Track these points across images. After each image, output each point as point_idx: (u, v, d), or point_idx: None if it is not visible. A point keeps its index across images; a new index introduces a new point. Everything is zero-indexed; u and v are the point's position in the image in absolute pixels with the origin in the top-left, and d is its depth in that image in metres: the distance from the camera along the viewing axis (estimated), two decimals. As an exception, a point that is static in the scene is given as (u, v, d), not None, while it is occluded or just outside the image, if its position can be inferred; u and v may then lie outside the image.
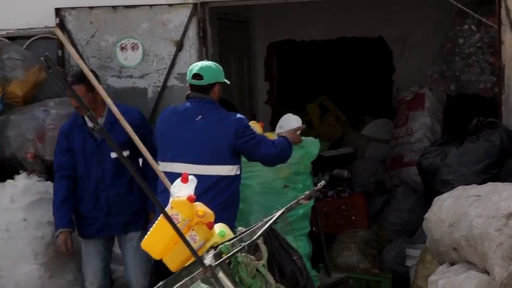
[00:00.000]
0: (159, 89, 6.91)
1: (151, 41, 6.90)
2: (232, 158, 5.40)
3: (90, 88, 5.52)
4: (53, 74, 4.47)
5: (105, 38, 6.94)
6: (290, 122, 5.94)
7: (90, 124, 5.76)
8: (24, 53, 6.73)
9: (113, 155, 5.72)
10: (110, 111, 5.57)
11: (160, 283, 4.19)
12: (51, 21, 6.88)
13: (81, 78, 5.55)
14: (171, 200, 4.22)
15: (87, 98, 5.61)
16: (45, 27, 6.88)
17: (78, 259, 6.11)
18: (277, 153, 5.46)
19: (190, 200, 4.18)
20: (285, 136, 5.63)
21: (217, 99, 5.51)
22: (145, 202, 5.81)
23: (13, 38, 6.95)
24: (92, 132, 5.79)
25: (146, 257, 5.35)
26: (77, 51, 6.64)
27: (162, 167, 5.33)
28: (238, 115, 5.49)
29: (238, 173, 5.43)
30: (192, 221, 4.16)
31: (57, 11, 6.91)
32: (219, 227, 4.31)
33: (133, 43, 6.93)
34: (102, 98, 5.44)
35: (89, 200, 5.85)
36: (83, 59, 5.91)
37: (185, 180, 4.27)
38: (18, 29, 6.98)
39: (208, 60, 6.71)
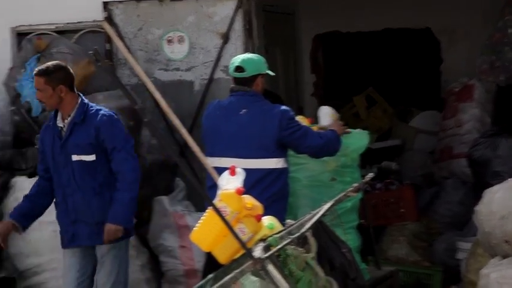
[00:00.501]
0: (205, 81, 6.92)
1: (197, 33, 6.92)
2: (278, 151, 5.38)
3: (52, 84, 5.18)
4: (101, 67, 4.52)
5: (152, 31, 6.97)
6: (323, 113, 5.90)
7: (60, 123, 5.30)
8: (73, 47, 6.79)
9: (75, 157, 5.25)
10: (77, 111, 5.24)
11: (210, 275, 4.20)
12: (99, 14, 6.93)
13: (44, 71, 5.22)
14: (219, 192, 4.22)
15: (46, 92, 5.20)
16: (93, 21, 6.93)
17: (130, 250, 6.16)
18: (323, 145, 5.42)
19: (239, 192, 4.18)
20: (333, 129, 5.59)
21: (260, 91, 5.48)
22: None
23: (62, 32, 7.02)
24: (60, 133, 5.31)
25: (113, 272, 5.26)
26: (125, 44, 6.68)
27: (210, 162, 5.33)
28: (283, 107, 5.46)
29: (285, 165, 5.41)
30: (240, 214, 4.15)
31: (105, 5, 6.96)
32: (268, 220, 4.30)
33: (179, 36, 6.95)
34: (70, 97, 5.20)
35: (61, 206, 5.40)
36: (130, 52, 5.95)
37: (233, 172, 4.27)
38: (67, 23, 7.04)
39: (254, 52, 6.72)
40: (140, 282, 6.27)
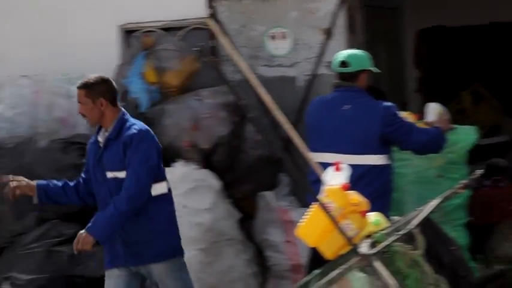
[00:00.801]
0: (308, 77, 6.91)
1: (300, 29, 6.91)
2: (381, 147, 5.32)
3: (92, 97, 4.99)
4: (206, 63, 4.55)
5: (255, 27, 7.00)
6: (430, 109, 5.80)
7: (100, 138, 5.10)
8: (179, 44, 6.88)
9: (109, 174, 5.01)
10: (114, 127, 5.02)
11: (316, 271, 4.20)
12: (204, 12, 7.01)
13: (85, 83, 5.06)
14: (323, 188, 4.21)
15: (86, 105, 5.02)
16: (198, 18, 7.00)
17: (236, 245, 6.22)
18: (427, 142, 5.33)
19: (344, 188, 4.17)
20: (438, 126, 5.49)
21: (364, 87, 5.45)
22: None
23: (168, 29, 7.11)
24: (99, 148, 5.11)
25: None
26: (228, 41, 6.73)
27: (313, 158, 5.33)
28: (387, 103, 5.40)
29: (388, 162, 5.35)
30: (346, 210, 4.15)
31: (210, 2, 7.02)
32: (374, 216, 4.28)
33: (282, 32, 6.97)
34: (111, 112, 5.01)
35: None
36: (234, 49, 5.99)
37: (338, 168, 4.27)
38: (173, 21, 7.14)
39: (357, 48, 6.67)
40: (246, 276, 6.30)
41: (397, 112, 5.41)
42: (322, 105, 5.54)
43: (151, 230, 4.96)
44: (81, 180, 5.20)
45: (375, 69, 5.51)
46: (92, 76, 5.08)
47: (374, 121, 5.30)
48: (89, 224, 4.90)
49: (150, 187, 4.95)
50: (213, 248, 6.13)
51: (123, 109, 5.13)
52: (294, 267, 6.22)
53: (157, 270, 4.97)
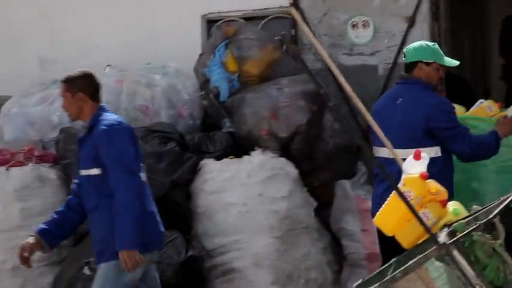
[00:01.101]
0: (389, 66, 6.87)
1: (382, 17, 6.87)
2: (427, 140, 5.18)
3: (72, 91, 4.96)
4: (287, 52, 4.57)
5: (337, 16, 6.99)
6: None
7: (81, 134, 5.07)
8: (260, 33, 6.92)
9: (83, 172, 4.96)
10: (88, 125, 4.95)
11: (393, 260, 4.19)
12: (285, 1, 7.03)
13: (66, 77, 5.02)
14: (403, 177, 4.19)
15: (66, 99, 4.99)
16: (280, 7, 7.04)
17: (312, 233, 6.24)
18: (470, 154, 5.18)
19: (423, 177, 4.14)
20: (495, 131, 5.29)
21: (425, 79, 5.32)
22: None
23: (249, 19, 7.17)
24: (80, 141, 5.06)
25: None
26: (310, 29, 6.73)
27: (374, 152, 5.28)
28: (441, 98, 5.27)
29: (439, 155, 5.22)
30: (424, 199, 4.11)
31: (291, -9, 7.06)
32: (453, 205, 4.23)
33: (364, 20, 6.94)
34: (90, 107, 4.95)
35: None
36: (315, 38, 5.97)
37: (417, 157, 4.23)
38: (254, 10, 7.18)
39: (440, 36, 6.60)
40: (322, 264, 6.32)
41: (452, 111, 5.24)
42: (383, 98, 5.54)
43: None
44: (71, 196, 5.11)
45: (441, 61, 5.34)
46: (76, 71, 5.05)
47: (419, 114, 5.19)
48: (117, 243, 4.75)
49: (137, 175, 4.84)
50: (289, 235, 6.16)
51: (103, 104, 5.06)
52: (370, 256, 6.20)
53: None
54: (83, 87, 4.98)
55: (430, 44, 5.46)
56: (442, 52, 5.44)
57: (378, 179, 5.37)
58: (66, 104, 5.03)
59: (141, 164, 4.99)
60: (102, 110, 5.01)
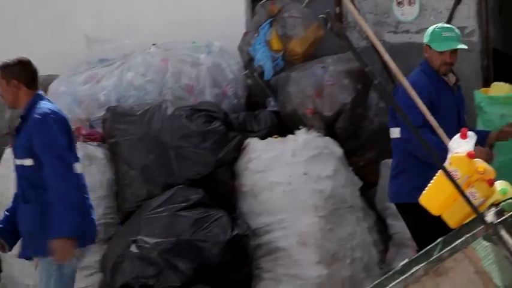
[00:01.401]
0: (436, 43, 6.79)
1: (428, -6, 6.80)
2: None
3: (6, 78, 4.85)
4: (332, 31, 4.54)
5: (382, -7, 6.94)
6: None
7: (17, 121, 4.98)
8: (304, 11, 6.89)
9: (17, 162, 4.86)
10: (22, 114, 4.84)
11: (439, 239, 4.16)
12: (330, -21, 7.00)
13: (2, 64, 4.91)
14: (449, 156, 4.16)
15: (2, 87, 4.88)
16: (325, -15, 7.01)
17: (357, 212, 6.22)
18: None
19: (470, 156, 4.09)
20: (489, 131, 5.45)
21: (430, 62, 5.41)
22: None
23: (299, -3, 7.15)
24: None
25: None
26: (355, 7, 6.68)
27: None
28: (415, 79, 5.29)
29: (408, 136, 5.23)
30: (471, 178, 4.07)
31: (336, -31, 7.01)
32: (501, 185, 4.19)
33: (410, -3, 6.88)
34: (25, 95, 4.84)
35: None
36: (360, 15, 5.93)
37: (464, 136, 4.19)
38: (299, -12, 7.16)
39: (487, 13, 6.50)
40: (368, 244, 6.31)
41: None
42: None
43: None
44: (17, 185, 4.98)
45: (434, 46, 5.35)
46: (13, 58, 4.95)
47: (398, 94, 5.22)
48: (54, 230, 4.65)
49: (69, 165, 4.76)
50: (334, 215, 6.15)
51: (40, 92, 4.95)
52: (416, 235, 6.17)
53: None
54: (17, 74, 4.87)
55: (438, 26, 5.45)
56: (447, 36, 5.39)
57: None
58: (2, 91, 4.93)
59: (77, 155, 4.94)
60: (39, 98, 4.90)
